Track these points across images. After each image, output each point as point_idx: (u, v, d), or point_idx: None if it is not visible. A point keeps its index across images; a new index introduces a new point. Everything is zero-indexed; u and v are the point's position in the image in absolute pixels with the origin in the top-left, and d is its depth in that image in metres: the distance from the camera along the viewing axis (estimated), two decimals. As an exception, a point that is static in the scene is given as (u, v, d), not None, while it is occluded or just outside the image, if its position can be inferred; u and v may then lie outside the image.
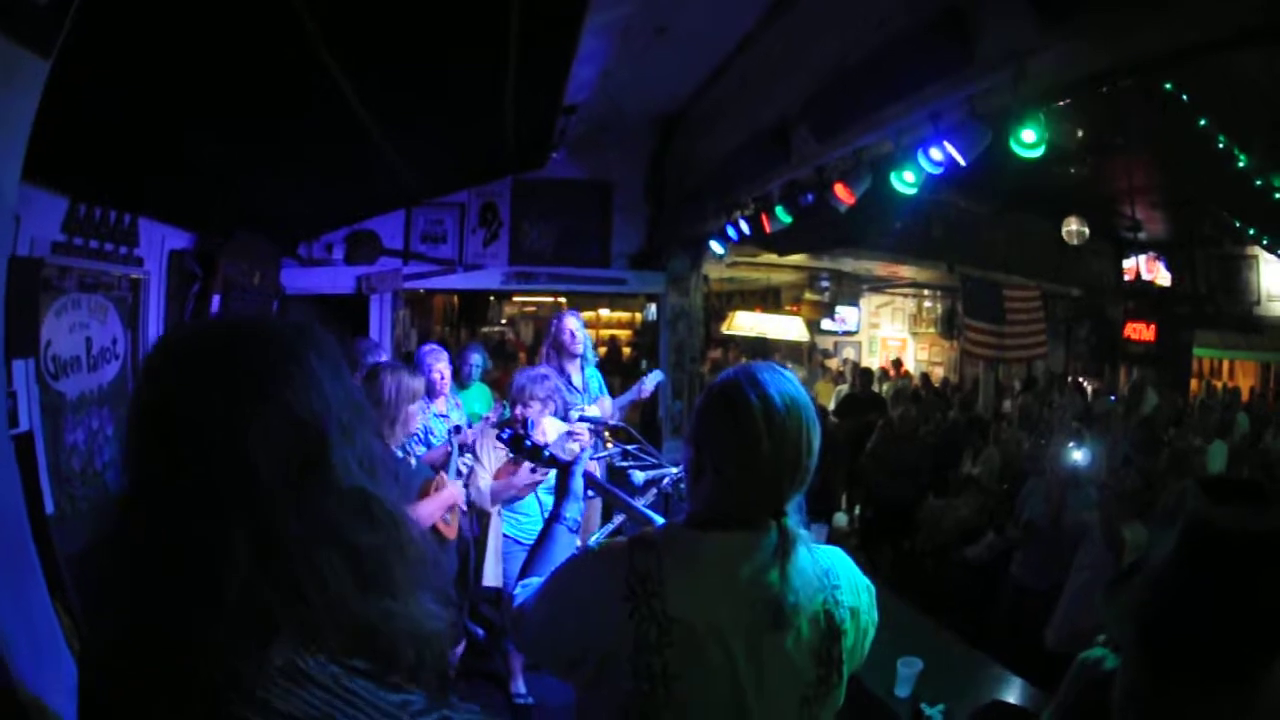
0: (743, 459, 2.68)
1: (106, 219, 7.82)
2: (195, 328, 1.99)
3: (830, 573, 2.83)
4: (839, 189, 8.93)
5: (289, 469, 1.74)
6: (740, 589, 2.65)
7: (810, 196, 9.54)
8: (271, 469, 1.71)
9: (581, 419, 8.23)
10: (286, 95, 6.71)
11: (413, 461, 7.13)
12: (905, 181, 8.00)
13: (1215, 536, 2.15)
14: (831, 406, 18.30)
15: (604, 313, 22.99)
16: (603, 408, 9.14)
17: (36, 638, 4.38)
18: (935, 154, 7.06)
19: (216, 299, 9.73)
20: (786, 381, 2.80)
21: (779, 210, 10.21)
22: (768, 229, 10.74)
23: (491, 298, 21.93)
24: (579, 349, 9.32)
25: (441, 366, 9.18)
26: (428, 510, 6.73)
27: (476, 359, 11.07)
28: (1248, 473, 13.78)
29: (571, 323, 9.35)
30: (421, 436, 8.66)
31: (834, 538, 13.06)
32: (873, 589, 2.96)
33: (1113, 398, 19.98)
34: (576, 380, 9.31)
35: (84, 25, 4.31)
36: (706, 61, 10.94)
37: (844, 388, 20.69)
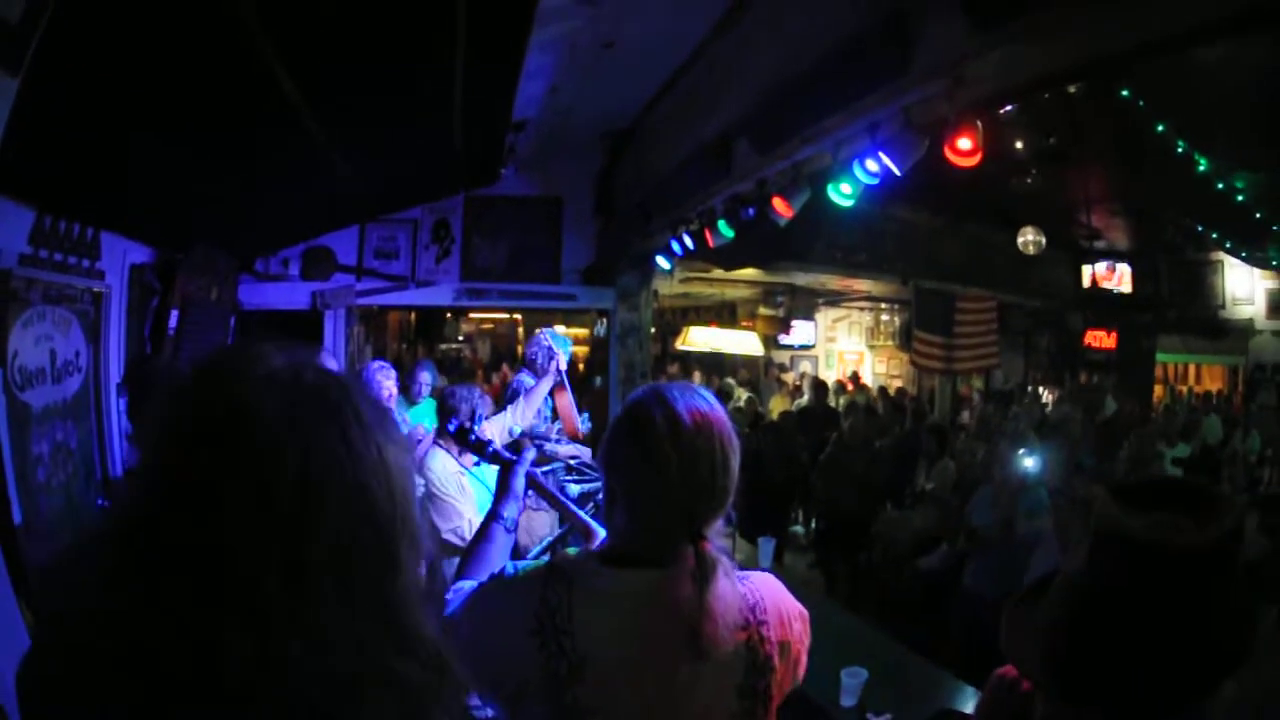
0: (651, 484, 2.60)
1: (70, 232, 7.89)
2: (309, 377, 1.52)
3: (757, 607, 2.72)
4: (777, 202, 8.99)
5: (350, 582, 1.44)
6: (655, 626, 2.55)
7: (751, 210, 9.59)
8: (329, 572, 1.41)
9: (524, 434, 8.23)
10: (242, 111, 6.77)
11: None
12: (842, 193, 8.00)
13: (1129, 552, 1.85)
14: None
15: (560, 329, 22.93)
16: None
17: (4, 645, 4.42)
18: (871, 165, 7.10)
19: (174, 314, 9.74)
20: (698, 399, 2.70)
21: (721, 224, 10.24)
22: (711, 243, 10.81)
23: (448, 314, 21.91)
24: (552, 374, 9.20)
25: (389, 384, 9.15)
26: None
27: (426, 377, 11.08)
28: (1227, 475, 13.91)
29: (558, 351, 9.27)
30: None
31: (790, 549, 13.08)
32: (806, 615, 2.87)
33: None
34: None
35: (52, 45, 4.39)
36: (655, 76, 10.96)
37: (802, 401, 20.69)
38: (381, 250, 14.32)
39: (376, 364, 9.68)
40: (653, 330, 16.61)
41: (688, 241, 11.36)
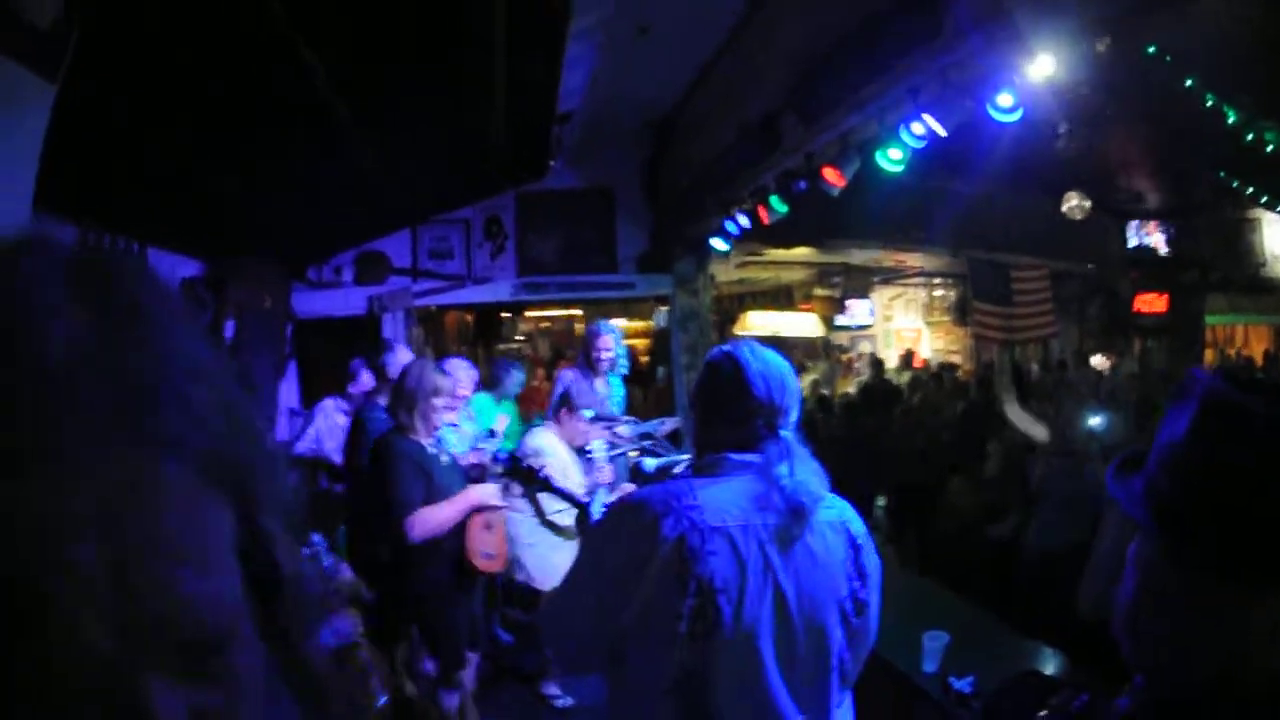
0: (743, 401, 3.17)
1: (115, 247, 7.85)
2: None
3: (837, 500, 3.25)
4: (828, 172, 9.04)
5: None
6: (762, 493, 3.02)
7: (803, 184, 9.65)
8: None
9: (596, 418, 8.26)
10: (287, 123, 6.86)
11: (444, 459, 6.96)
12: (891, 160, 8.07)
13: (1241, 417, 1.81)
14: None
15: (622, 322, 22.87)
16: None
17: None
18: (916, 128, 7.19)
19: (230, 325, 9.83)
20: (762, 349, 3.33)
21: (774, 200, 10.36)
22: (765, 220, 10.88)
23: (506, 314, 21.90)
24: (605, 366, 9.29)
25: (467, 381, 9.07)
26: (447, 514, 6.57)
27: (518, 375, 10.94)
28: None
29: (608, 340, 9.32)
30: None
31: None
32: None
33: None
34: (600, 388, 9.25)
35: (88, 58, 4.49)
36: (693, 59, 11.01)
37: (863, 379, 20.65)
38: (436, 250, 14.49)
39: (457, 360, 9.45)
40: (712, 318, 16.69)
41: (742, 220, 11.44)
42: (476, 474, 7.56)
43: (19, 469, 0.83)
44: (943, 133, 7.03)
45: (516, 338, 24.39)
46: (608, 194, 14.87)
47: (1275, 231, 21.85)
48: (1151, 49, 11.10)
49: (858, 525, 3.24)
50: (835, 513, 3.18)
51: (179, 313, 1.04)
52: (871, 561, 3.20)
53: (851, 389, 19.73)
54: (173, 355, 0.98)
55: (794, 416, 3.27)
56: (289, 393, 13.24)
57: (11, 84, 4.35)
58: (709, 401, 3.37)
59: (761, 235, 13.01)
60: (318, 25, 5.65)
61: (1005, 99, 6.51)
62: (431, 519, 6.46)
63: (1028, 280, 20.80)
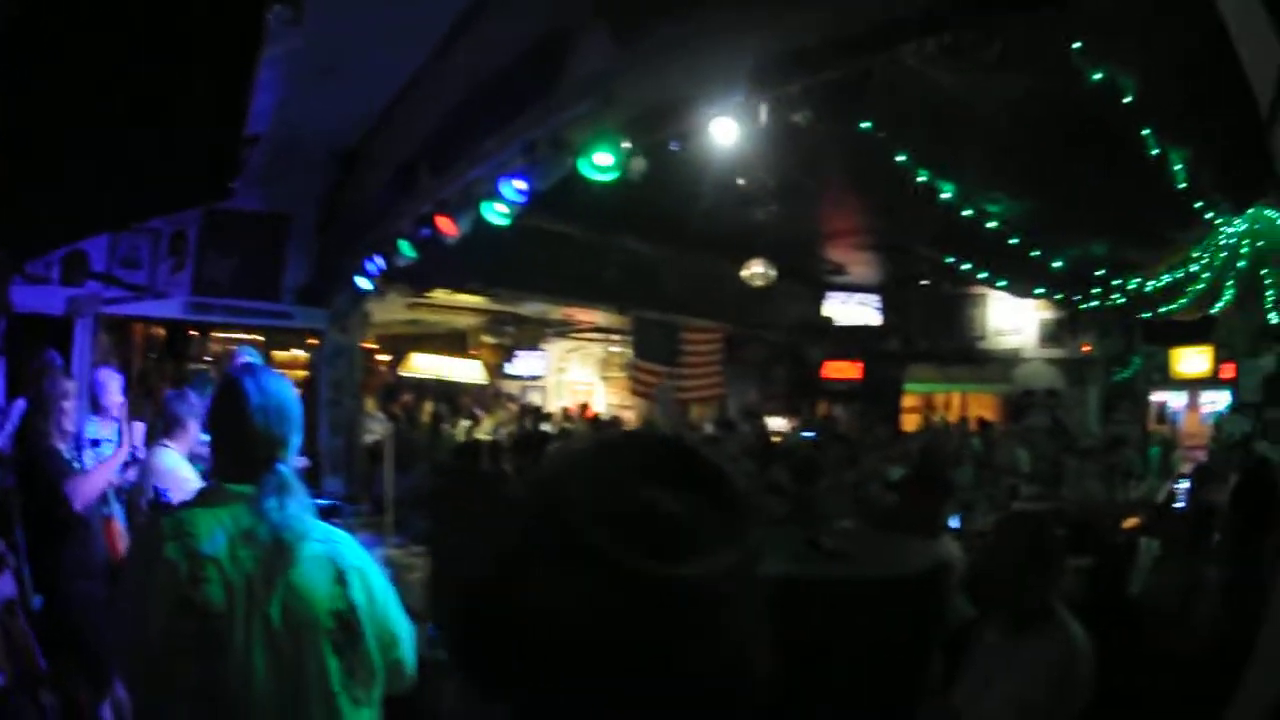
0: (240, 430, 3.42)
1: None
2: None
3: (332, 534, 3.48)
4: (440, 221, 9.54)
5: None
6: (253, 525, 3.25)
7: (427, 231, 9.96)
8: None
9: None
10: None
11: (76, 466, 7.20)
12: (498, 213, 8.53)
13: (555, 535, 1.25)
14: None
15: (298, 352, 22.66)
16: None
17: None
18: (518, 184, 7.81)
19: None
20: (274, 378, 3.61)
21: (402, 245, 10.67)
22: (398, 264, 11.34)
23: (195, 332, 21.62)
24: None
25: (115, 389, 8.91)
26: (100, 477, 6.98)
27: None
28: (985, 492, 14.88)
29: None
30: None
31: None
32: (376, 566, 3.58)
33: (812, 434, 20.69)
34: None
35: None
36: (374, 103, 11.53)
37: (511, 427, 20.99)
38: (128, 259, 14.22)
39: (105, 370, 9.51)
40: (389, 357, 16.79)
41: (379, 261, 11.85)
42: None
43: None
44: (539, 189, 7.71)
45: (205, 358, 24.04)
46: (284, 220, 15.15)
47: (1002, 307, 23.59)
48: (867, 125, 11.07)
49: (353, 559, 3.42)
50: (324, 547, 3.36)
51: None
52: (367, 592, 3.39)
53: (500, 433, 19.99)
54: None
55: (295, 445, 3.51)
56: (-3, 390, 12.71)
57: None
58: (212, 430, 3.67)
59: (430, 278, 13.75)
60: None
61: (604, 157, 6.97)
62: (88, 483, 6.81)
63: (698, 342, 21.95)
